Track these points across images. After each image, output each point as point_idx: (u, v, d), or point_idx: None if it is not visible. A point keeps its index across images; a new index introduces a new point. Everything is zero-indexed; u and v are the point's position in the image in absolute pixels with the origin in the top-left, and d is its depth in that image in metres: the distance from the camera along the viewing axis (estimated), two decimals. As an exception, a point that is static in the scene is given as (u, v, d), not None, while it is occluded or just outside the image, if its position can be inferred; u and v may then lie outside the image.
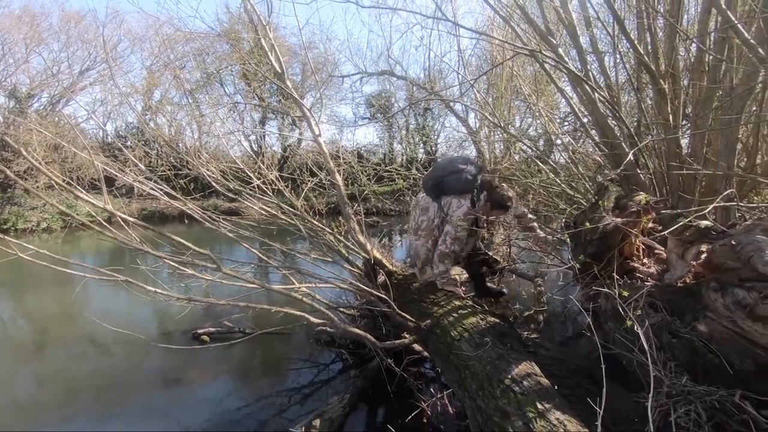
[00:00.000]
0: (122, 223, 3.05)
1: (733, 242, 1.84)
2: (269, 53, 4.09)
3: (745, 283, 1.76)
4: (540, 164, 5.58)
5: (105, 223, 3.00)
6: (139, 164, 4.31)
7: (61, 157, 12.12)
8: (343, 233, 4.36)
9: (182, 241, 2.69)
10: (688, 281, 2.13)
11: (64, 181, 3.04)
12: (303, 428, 2.67)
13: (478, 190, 3.00)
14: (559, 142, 6.10)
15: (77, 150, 5.10)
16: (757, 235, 1.81)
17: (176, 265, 2.68)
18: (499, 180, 5.08)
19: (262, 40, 4.08)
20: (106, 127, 19.23)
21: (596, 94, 3.50)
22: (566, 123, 6.99)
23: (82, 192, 2.88)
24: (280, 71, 4.15)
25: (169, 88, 18.21)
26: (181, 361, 4.21)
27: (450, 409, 2.91)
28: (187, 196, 4.36)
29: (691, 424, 1.65)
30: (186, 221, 9.63)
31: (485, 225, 3.15)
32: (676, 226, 1.88)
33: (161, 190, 3.99)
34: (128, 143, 15.36)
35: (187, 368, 4.08)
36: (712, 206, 1.85)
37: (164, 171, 5.14)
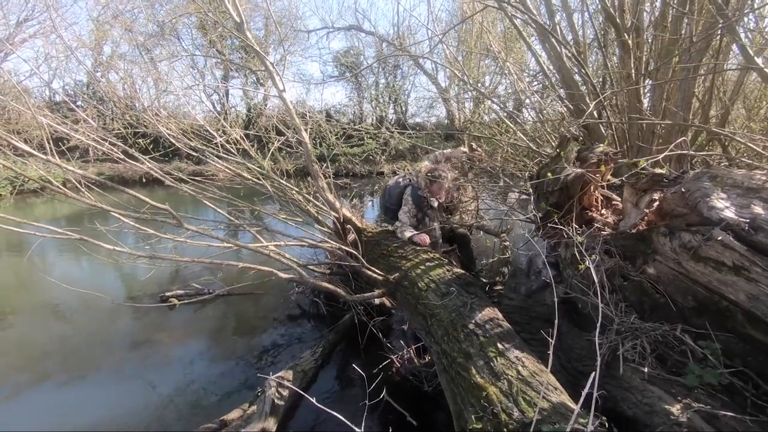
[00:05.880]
0: (77, 184, 2.87)
1: (682, 189, 1.94)
2: (226, 0, 3.82)
3: (692, 227, 1.88)
4: (508, 123, 5.61)
5: (60, 186, 2.81)
6: (92, 122, 4.01)
7: (4, 117, 11.17)
8: (312, 193, 4.30)
9: (140, 196, 2.56)
10: (641, 228, 2.25)
11: (8, 144, 2.80)
12: (275, 381, 2.72)
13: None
14: (527, 101, 6.12)
15: (21, 108, 4.60)
16: (705, 183, 1.91)
17: (134, 224, 2.57)
18: (467, 141, 5.18)
19: (218, -15, 3.79)
20: (53, 84, 17.80)
21: (563, 48, 3.49)
22: (535, 82, 7.00)
23: (31, 151, 2.67)
24: (238, 20, 3.89)
25: (120, 41, 16.87)
26: (149, 324, 4.17)
27: (416, 360, 3.04)
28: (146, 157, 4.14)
29: (636, 356, 1.80)
30: (144, 181, 9.25)
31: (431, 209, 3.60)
32: (631, 173, 1.96)
33: (119, 150, 3.75)
34: (78, 103, 14.26)
35: (156, 330, 4.05)
36: (664, 154, 1.92)
37: (120, 130, 4.82)
